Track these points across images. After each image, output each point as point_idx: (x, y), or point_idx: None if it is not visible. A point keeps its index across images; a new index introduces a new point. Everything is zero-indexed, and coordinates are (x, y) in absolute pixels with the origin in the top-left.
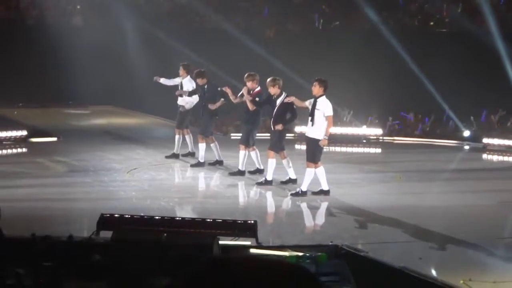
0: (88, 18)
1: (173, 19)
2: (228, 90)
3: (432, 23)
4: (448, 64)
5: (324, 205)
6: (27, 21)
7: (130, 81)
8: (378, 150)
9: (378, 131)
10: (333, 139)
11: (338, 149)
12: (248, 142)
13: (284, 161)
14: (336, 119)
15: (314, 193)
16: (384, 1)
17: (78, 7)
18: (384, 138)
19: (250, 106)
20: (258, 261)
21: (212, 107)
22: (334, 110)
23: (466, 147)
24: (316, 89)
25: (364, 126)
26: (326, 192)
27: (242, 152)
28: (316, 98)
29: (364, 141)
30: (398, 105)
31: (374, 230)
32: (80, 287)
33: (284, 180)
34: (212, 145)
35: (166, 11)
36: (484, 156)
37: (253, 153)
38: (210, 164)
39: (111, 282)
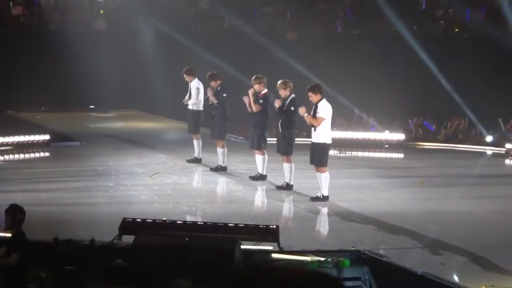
0: (111, 22)
1: (195, 24)
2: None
3: (457, 30)
4: (471, 69)
5: (345, 210)
6: (50, 26)
7: (152, 85)
8: (400, 155)
9: (401, 136)
10: (351, 144)
11: (360, 154)
12: (260, 146)
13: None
14: (358, 124)
15: (312, 199)
16: (407, 6)
17: (102, 11)
18: (407, 143)
19: (255, 108)
20: (287, 269)
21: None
22: (354, 114)
23: (489, 152)
24: (313, 97)
25: (387, 131)
26: (326, 198)
27: (260, 157)
28: (316, 104)
29: (386, 146)
30: (421, 110)
31: (396, 235)
32: None
33: (280, 184)
34: (221, 150)
35: (188, 15)
36: (507, 161)
37: (258, 157)
38: (211, 169)
39: (133, 286)
